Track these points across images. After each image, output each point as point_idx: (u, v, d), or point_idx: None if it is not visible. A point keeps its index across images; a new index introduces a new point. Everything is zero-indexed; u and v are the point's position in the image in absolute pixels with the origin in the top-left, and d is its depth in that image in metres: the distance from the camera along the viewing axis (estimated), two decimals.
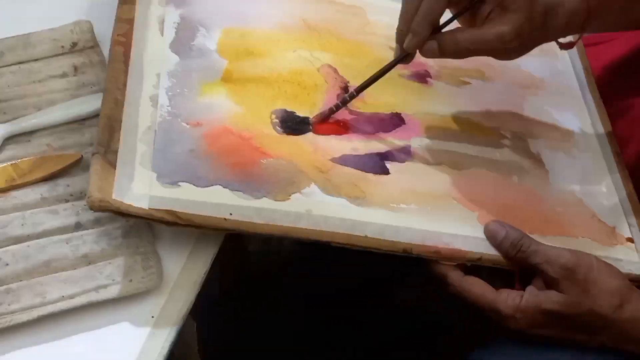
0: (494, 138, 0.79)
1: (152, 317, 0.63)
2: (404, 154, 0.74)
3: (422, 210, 0.70)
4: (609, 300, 0.65)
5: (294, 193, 0.68)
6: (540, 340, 0.68)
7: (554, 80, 0.89)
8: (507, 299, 0.67)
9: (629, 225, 0.76)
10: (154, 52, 0.75)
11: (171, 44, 0.76)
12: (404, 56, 0.71)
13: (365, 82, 0.74)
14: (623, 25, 0.80)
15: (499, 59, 0.74)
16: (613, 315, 0.65)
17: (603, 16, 0.73)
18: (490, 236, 0.70)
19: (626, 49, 0.91)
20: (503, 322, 0.67)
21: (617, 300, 0.65)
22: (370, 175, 0.72)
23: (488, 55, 0.72)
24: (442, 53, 0.70)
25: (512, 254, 0.68)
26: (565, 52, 0.92)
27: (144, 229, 0.66)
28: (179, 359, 0.75)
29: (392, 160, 0.73)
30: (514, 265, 0.69)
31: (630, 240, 0.75)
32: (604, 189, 0.79)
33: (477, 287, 0.68)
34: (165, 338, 0.63)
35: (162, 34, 0.77)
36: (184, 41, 0.77)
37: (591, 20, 0.72)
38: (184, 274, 0.66)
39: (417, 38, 0.69)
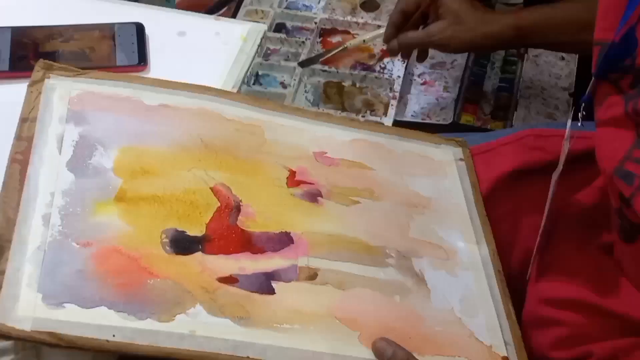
0: (379, 257, 0.82)
1: None
2: (291, 273, 0.77)
3: (305, 330, 0.73)
4: None
5: (179, 314, 0.70)
6: None
7: (441, 199, 0.93)
8: None
9: (505, 343, 0.79)
10: (50, 171, 0.77)
11: (68, 163, 0.79)
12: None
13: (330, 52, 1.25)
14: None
15: (441, 51, 1.20)
16: None
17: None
18: (378, 354, 0.72)
19: (514, 163, 0.98)
20: None
21: None
22: (256, 295, 0.74)
23: (431, 47, 1.15)
24: (400, 47, 1.11)
25: None
26: (454, 170, 0.97)
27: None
28: None
29: (278, 280, 0.76)
30: None
31: (506, 359, 0.78)
32: (483, 308, 0.82)
33: None
34: None
35: (59, 152, 0.79)
36: (80, 160, 0.79)
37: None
38: None
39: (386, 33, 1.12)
